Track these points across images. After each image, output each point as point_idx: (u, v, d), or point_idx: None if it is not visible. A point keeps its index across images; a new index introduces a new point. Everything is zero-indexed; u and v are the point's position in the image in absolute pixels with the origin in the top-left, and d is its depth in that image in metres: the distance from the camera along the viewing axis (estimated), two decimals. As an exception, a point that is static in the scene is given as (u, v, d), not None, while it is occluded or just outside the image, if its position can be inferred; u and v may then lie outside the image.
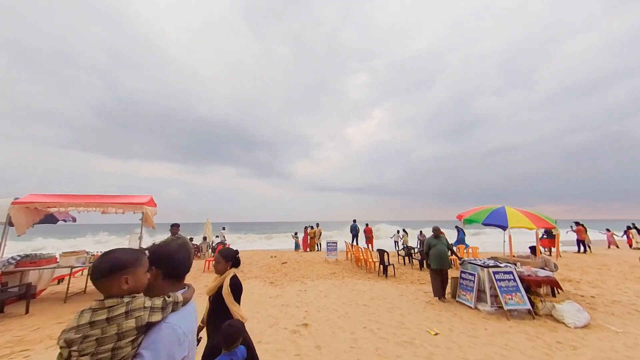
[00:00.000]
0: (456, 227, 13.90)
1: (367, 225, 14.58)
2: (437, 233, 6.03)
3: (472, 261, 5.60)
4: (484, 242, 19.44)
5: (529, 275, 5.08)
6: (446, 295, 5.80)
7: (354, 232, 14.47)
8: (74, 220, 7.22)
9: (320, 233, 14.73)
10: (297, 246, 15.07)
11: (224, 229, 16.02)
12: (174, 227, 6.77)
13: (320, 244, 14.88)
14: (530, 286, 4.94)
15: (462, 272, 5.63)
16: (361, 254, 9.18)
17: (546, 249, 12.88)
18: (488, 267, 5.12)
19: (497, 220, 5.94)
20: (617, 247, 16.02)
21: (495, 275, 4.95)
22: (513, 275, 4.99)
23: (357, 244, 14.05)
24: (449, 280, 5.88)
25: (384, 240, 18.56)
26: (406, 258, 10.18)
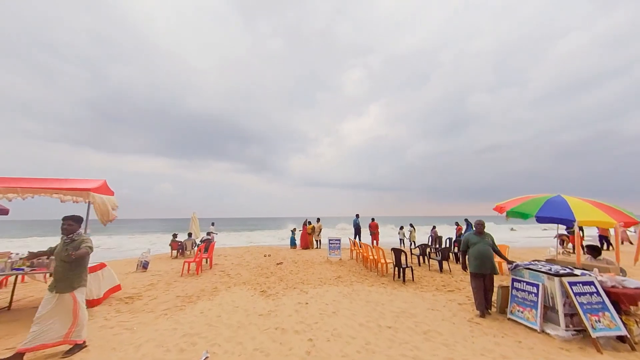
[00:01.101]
0: (466, 220, 12.66)
1: (372, 220, 13.20)
2: (480, 228, 4.63)
3: (530, 266, 4.21)
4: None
5: (613, 287, 3.72)
6: (491, 309, 4.45)
7: (357, 227, 13.10)
8: (6, 212, 5.63)
9: (321, 229, 13.31)
10: (293, 243, 13.64)
11: (213, 224, 14.50)
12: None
13: (320, 241, 13.48)
14: (621, 303, 3.59)
15: (514, 280, 4.26)
16: (371, 254, 7.78)
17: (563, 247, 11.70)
18: (559, 275, 3.74)
19: (557, 213, 4.56)
20: (631, 243, 14.99)
21: (573, 287, 3.58)
22: (596, 287, 3.62)
23: (359, 240, 12.70)
24: (495, 289, 4.52)
25: (386, 238, 17.27)
26: (421, 258, 8.82)
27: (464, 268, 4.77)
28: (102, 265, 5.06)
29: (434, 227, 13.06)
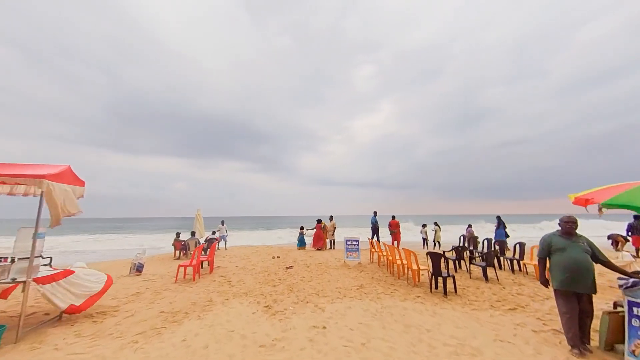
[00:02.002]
0: (498, 218, 11.05)
1: (393, 217, 11.83)
2: (569, 228, 3.25)
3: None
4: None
5: None
6: (590, 343, 3.09)
7: (375, 226, 11.76)
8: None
9: (335, 228, 12.08)
10: (301, 243, 12.45)
11: (222, 223, 13.55)
12: None
13: (334, 241, 12.26)
14: None
15: (633, 304, 2.87)
16: (400, 258, 6.46)
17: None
18: None
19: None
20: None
21: None
22: None
23: (378, 241, 11.38)
24: (597, 314, 3.16)
25: (404, 237, 15.80)
26: (456, 263, 7.41)
27: (544, 283, 3.42)
28: (66, 273, 4.04)
29: (470, 226, 11.46)
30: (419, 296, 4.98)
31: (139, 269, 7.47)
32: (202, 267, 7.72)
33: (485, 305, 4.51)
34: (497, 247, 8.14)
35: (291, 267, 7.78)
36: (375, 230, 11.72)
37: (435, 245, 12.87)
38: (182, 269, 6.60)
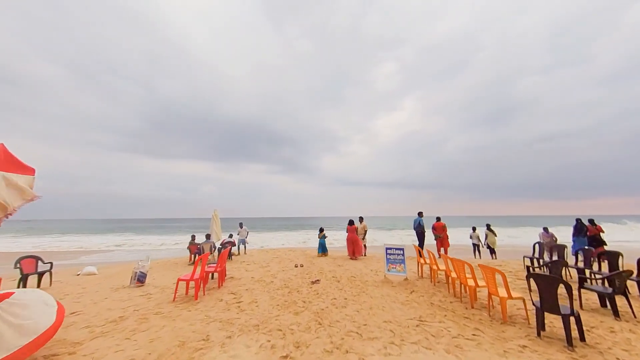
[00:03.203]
0: (577, 221, 8.44)
1: (438, 219, 9.80)
2: None
3: None
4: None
5: None
6: None
7: (421, 231, 9.77)
8: None
9: (365, 231, 10.30)
10: (323, 249, 10.78)
11: (241, 225, 12.41)
12: None
13: (365, 246, 10.48)
14: None
15: None
16: (473, 278, 4.55)
17: None
18: None
19: None
20: None
21: None
22: None
23: (422, 247, 9.42)
24: None
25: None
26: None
27: None
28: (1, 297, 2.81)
29: (546, 230, 9.02)
30: (524, 346, 3.10)
31: (140, 279, 6.37)
32: (211, 278, 6.44)
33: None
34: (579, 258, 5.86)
35: (317, 281, 6.19)
36: (421, 236, 9.72)
37: (491, 253, 10.56)
38: (183, 283, 5.30)
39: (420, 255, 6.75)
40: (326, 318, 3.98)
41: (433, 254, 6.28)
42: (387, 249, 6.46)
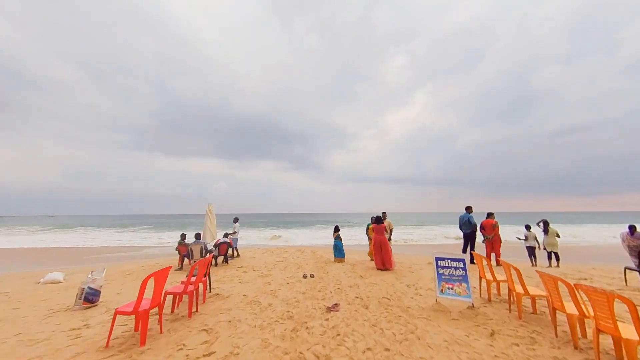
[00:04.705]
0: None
1: (488, 216, 7.60)
2: None
3: None
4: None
5: None
6: None
7: (469, 229, 7.54)
8: None
9: (391, 230, 8.22)
10: (340, 252, 8.74)
11: (236, 220, 10.57)
12: None
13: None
14: None
15: None
16: (613, 318, 2.45)
17: None
18: None
19: None
20: None
21: None
22: None
23: (472, 249, 7.28)
24: None
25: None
26: None
27: None
28: None
29: (633, 228, 6.72)
30: None
31: (88, 298, 4.59)
32: (195, 298, 4.58)
33: None
34: None
35: (336, 306, 4.21)
36: (471, 238, 7.50)
37: (551, 256, 8.28)
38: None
39: (483, 270, 4.64)
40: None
41: (510, 266, 4.17)
42: (437, 259, 4.39)
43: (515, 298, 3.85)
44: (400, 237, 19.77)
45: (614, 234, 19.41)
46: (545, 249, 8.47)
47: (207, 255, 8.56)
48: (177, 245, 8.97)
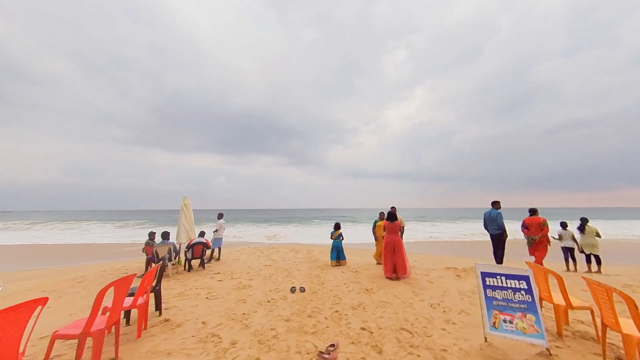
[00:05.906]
0: None
1: (531, 212, 6.11)
2: None
3: None
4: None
5: None
6: None
7: (499, 232, 6.05)
8: None
9: (403, 228, 6.76)
10: (337, 256, 7.29)
11: (220, 216, 9.08)
12: None
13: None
14: None
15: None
16: None
17: None
18: None
19: None
20: None
21: None
22: None
23: (501, 258, 5.87)
24: None
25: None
26: None
27: None
28: None
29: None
30: None
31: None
32: (116, 335, 3.11)
33: None
34: None
35: (332, 353, 2.76)
36: (500, 240, 6.00)
37: (591, 262, 6.90)
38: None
39: (543, 288, 3.20)
40: None
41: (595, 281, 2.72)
42: (483, 275, 2.93)
43: (600, 332, 2.41)
44: (427, 235, 18.60)
45: (612, 230, 19.69)
46: (582, 251, 7.10)
47: (176, 258, 7.11)
48: (143, 246, 7.51)
